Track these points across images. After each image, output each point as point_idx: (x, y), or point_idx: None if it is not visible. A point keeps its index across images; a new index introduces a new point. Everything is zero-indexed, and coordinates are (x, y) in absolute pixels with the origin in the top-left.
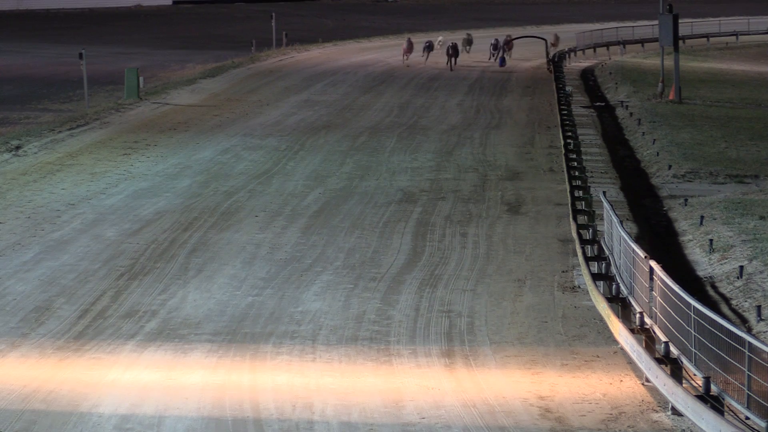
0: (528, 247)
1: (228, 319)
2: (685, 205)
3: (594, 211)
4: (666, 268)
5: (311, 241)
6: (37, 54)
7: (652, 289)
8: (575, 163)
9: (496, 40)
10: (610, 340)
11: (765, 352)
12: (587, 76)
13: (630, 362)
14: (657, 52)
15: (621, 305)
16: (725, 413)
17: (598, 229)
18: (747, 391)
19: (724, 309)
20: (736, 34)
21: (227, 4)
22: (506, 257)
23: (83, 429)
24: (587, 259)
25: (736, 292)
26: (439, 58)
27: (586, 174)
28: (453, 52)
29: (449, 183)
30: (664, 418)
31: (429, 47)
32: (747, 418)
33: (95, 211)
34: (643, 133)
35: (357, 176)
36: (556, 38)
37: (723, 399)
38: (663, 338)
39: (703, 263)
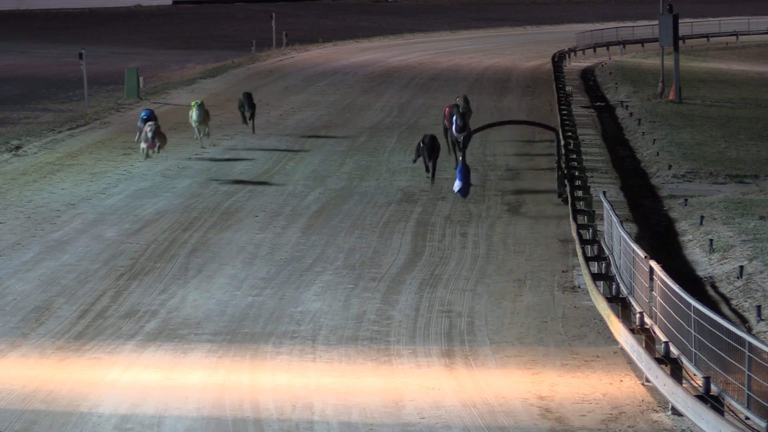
0: (528, 247)
1: (228, 319)
2: (685, 205)
3: (594, 211)
4: (666, 268)
5: (311, 241)
6: (37, 54)
7: (652, 289)
8: (575, 163)
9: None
10: (610, 340)
11: (765, 352)
12: (587, 76)
13: (630, 362)
14: (657, 52)
15: (621, 305)
16: (725, 413)
17: (598, 229)
18: (747, 391)
19: (724, 309)
20: (736, 34)
21: (227, 4)
22: (506, 257)
23: (83, 429)
24: (587, 259)
25: (736, 292)
26: (440, 57)
27: (586, 174)
28: (430, 152)
29: (449, 183)
30: (664, 418)
31: (153, 131)
32: (747, 418)
33: (95, 211)
34: (643, 133)
35: (357, 176)
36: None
37: (723, 399)
38: (663, 338)
39: (703, 263)
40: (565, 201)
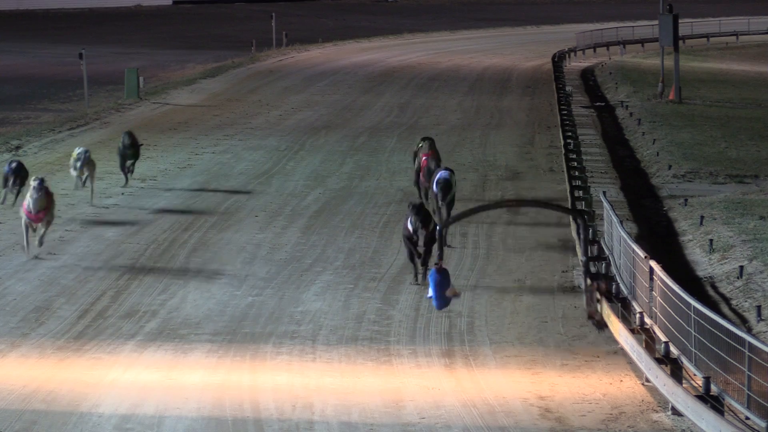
0: (528, 247)
1: (228, 319)
2: (685, 205)
3: (594, 211)
4: (666, 268)
5: (311, 241)
6: (37, 54)
7: (652, 289)
8: (575, 163)
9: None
10: (610, 340)
11: (765, 352)
12: (587, 76)
13: (630, 362)
14: (657, 52)
15: (621, 305)
16: (725, 413)
17: (598, 229)
18: (747, 391)
19: (724, 309)
20: (736, 34)
21: (227, 4)
22: (506, 257)
23: (83, 429)
24: (587, 260)
25: (736, 292)
26: (440, 57)
27: (586, 174)
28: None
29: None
30: (664, 418)
31: (36, 200)
32: (747, 418)
33: (95, 211)
34: (643, 133)
35: (357, 176)
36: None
37: (723, 399)
38: (663, 338)
39: (703, 263)
40: (600, 325)
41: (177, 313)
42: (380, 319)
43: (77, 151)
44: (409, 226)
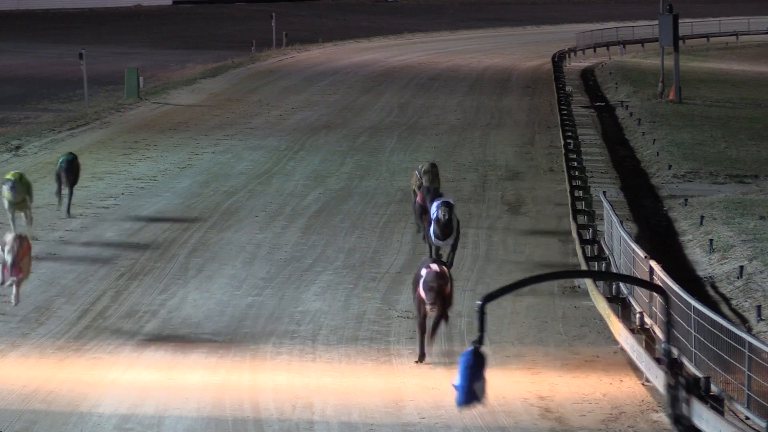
0: (528, 247)
1: (228, 319)
2: (685, 205)
3: (594, 211)
4: (666, 268)
5: (311, 241)
6: (37, 54)
7: None
8: (575, 163)
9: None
10: (610, 340)
11: (765, 352)
12: (587, 76)
13: (630, 362)
14: (657, 52)
15: (621, 305)
16: (725, 413)
17: (598, 229)
18: (747, 391)
19: (724, 309)
20: (736, 34)
21: (227, 4)
22: (506, 257)
23: (83, 429)
24: (587, 259)
25: (736, 292)
26: (440, 57)
27: (586, 174)
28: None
29: (449, 183)
30: (664, 418)
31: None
32: (747, 418)
33: (95, 211)
34: (643, 133)
35: (357, 176)
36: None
37: (723, 399)
38: (663, 338)
39: (703, 263)
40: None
41: (177, 313)
42: (380, 319)
43: (9, 175)
44: (422, 293)
